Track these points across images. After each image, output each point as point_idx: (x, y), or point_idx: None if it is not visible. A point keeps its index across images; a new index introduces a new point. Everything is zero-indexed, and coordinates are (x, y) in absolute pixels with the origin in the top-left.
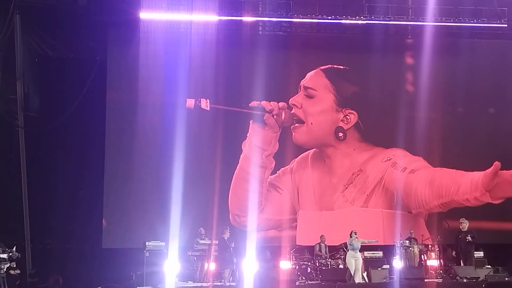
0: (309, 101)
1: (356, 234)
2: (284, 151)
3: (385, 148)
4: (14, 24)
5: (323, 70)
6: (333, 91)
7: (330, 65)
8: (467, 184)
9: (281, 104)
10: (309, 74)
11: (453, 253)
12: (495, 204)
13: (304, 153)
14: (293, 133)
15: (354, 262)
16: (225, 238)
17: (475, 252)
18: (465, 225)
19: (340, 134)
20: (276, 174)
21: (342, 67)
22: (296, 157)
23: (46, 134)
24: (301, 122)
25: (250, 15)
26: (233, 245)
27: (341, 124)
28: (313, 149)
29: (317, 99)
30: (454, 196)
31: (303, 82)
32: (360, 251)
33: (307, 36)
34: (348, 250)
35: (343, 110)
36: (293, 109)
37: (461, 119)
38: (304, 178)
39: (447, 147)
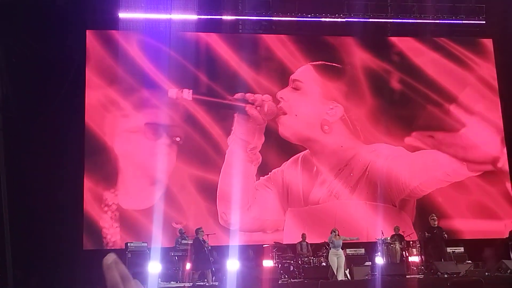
0: (295, 93)
1: (336, 232)
2: (275, 153)
3: (371, 144)
4: None
5: (313, 65)
6: (320, 84)
7: (322, 61)
8: (445, 158)
9: (264, 96)
10: (299, 69)
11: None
12: (475, 201)
13: (295, 155)
14: (279, 126)
15: (336, 259)
16: (200, 239)
17: (455, 248)
18: (435, 222)
19: (326, 127)
20: (267, 175)
21: (333, 64)
22: (288, 160)
23: (25, 135)
24: (284, 114)
25: (230, 14)
26: (208, 246)
27: (326, 117)
28: (304, 152)
29: (303, 91)
30: (433, 172)
31: (292, 76)
32: (342, 249)
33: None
34: (330, 248)
35: (329, 102)
36: (280, 102)
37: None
38: (294, 177)
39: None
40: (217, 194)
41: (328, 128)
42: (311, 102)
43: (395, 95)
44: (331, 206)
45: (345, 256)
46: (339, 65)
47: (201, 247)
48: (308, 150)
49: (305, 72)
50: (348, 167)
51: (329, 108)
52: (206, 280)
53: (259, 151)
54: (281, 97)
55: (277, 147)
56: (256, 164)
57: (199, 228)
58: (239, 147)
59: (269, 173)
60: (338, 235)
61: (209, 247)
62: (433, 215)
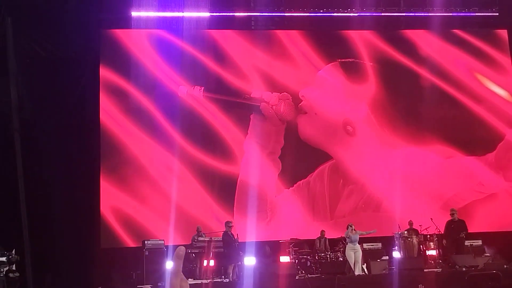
0: (317, 91)
1: (352, 226)
2: (298, 160)
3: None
4: (5, 26)
5: (340, 63)
6: (344, 81)
7: (352, 59)
8: (479, 166)
9: (282, 94)
10: (326, 66)
11: (444, 242)
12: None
13: (321, 166)
14: (298, 127)
15: (354, 254)
16: (230, 233)
17: (473, 241)
18: (455, 215)
19: (349, 127)
20: (292, 188)
21: (359, 61)
22: (312, 169)
23: (41, 135)
24: (303, 113)
25: (242, 10)
26: (238, 240)
27: (350, 115)
28: (329, 162)
29: (326, 89)
30: (468, 182)
31: (318, 73)
32: (359, 243)
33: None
34: (347, 243)
35: (354, 100)
36: (302, 101)
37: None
38: (320, 190)
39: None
40: (234, 206)
41: (351, 129)
42: (334, 100)
43: (423, 95)
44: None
45: (362, 250)
46: (366, 62)
47: (232, 241)
48: (333, 159)
49: (332, 69)
50: (375, 175)
51: (352, 107)
52: (224, 275)
53: (280, 157)
54: (302, 96)
55: (300, 153)
56: (276, 171)
57: (227, 222)
58: (256, 153)
59: (294, 185)
60: (355, 229)
61: (238, 241)
62: (452, 208)
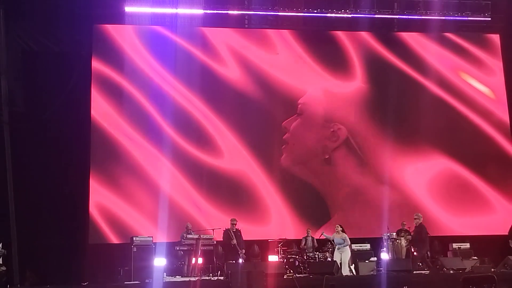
0: (297, 120)
1: (339, 228)
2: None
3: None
4: None
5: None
6: (323, 104)
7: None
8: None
9: None
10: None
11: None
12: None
13: None
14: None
15: (340, 255)
16: (230, 230)
17: (461, 244)
18: (418, 220)
19: (326, 156)
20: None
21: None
22: None
23: (31, 129)
24: (285, 145)
25: (236, 8)
26: (234, 241)
27: (327, 142)
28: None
29: (305, 116)
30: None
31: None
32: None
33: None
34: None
35: (332, 125)
36: (286, 134)
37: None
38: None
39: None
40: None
41: (328, 157)
42: (311, 125)
43: (414, 98)
44: None
45: (351, 251)
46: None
47: (230, 238)
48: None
49: (313, 91)
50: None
51: (330, 132)
52: (216, 273)
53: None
54: (284, 127)
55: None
56: None
57: (232, 219)
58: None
59: None
60: (340, 231)
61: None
62: (417, 213)
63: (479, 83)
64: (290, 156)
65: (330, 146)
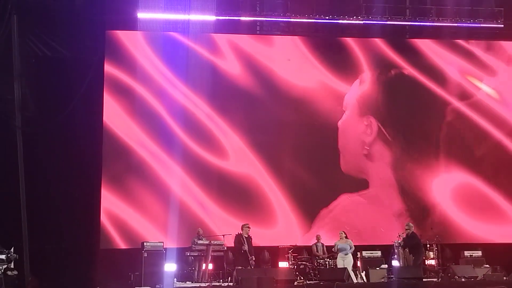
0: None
1: (343, 234)
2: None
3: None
4: (11, 24)
5: (360, 78)
6: (357, 97)
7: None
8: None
9: None
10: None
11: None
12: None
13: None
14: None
15: (343, 262)
16: (244, 235)
17: (473, 252)
18: (408, 230)
19: (365, 151)
20: None
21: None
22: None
23: (43, 134)
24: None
25: (248, 15)
26: (245, 247)
27: (363, 136)
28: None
29: (349, 112)
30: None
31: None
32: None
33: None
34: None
35: (365, 118)
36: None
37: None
38: None
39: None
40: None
41: (367, 151)
42: (351, 123)
43: (425, 105)
44: None
45: (361, 258)
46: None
47: (241, 243)
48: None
49: (353, 88)
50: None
51: (365, 125)
52: (226, 279)
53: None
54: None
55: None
56: None
57: (244, 224)
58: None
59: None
60: (344, 238)
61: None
62: (408, 223)
63: (491, 89)
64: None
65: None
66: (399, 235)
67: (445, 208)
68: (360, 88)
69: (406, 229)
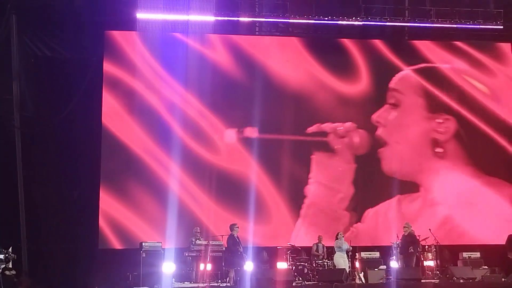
0: (394, 112)
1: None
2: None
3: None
4: (10, 24)
5: (414, 70)
6: (423, 93)
7: (423, 64)
8: None
9: (348, 124)
10: (396, 76)
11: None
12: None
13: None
14: (381, 162)
15: (343, 262)
16: (234, 235)
17: (471, 253)
18: (407, 229)
19: (438, 149)
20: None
21: (439, 65)
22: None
23: (42, 134)
24: (383, 144)
25: (247, 15)
26: (241, 249)
27: (436, 135)
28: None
29: (403, 108)
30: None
31: (389, 85)
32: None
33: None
34: (335, 252)
35: (438, 115)
36: (378, 128)
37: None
38: None
39: None
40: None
41: (441, 151)
42: (414, 119)
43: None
44: None
45: (359, 259)
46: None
47: (236, 244)
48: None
49: (406, 79)
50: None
51: (439, 123)
52: (224, 279)
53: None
54: (377, 121)
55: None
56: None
57: (233, 224)
58: (325, 197)
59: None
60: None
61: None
62: (406, 223)
63: (488, 90)
64: (391, 157)
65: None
66: (398, 236)
67: (446, 208)
68: None
69: (405, 228)
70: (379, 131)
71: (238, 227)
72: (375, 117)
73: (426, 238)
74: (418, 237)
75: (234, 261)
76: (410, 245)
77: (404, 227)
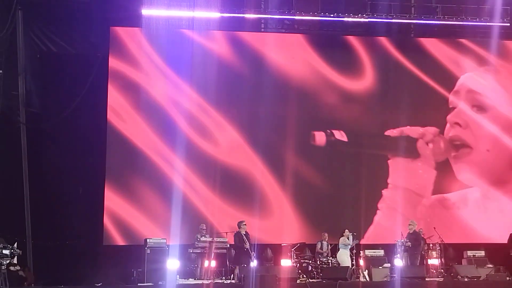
0: (479, 116)
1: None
2: None
3: None
4: (16, 19)
5: (487, 69)
6: (502, 92)
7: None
8: None
9: (431, 129)
10: (464, 76)
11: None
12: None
13: None
14: (454, 165)
15: (348, 259)
16: (242, 233)
17: (476, 252)
18: (412, 227)
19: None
20: None
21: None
22: None
23: (47, 130)
24: (467, 148)
25: (253, 12)
26: (247, 246)
27: None
28: None
29: (491, 112)
30: None
31: (466, 85)
32: (362, 250)
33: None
34: (339, 249)
35: None
36: (452, 129)
37: None
38: None
39: None
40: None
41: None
42: (506, 126)
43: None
44: None
45: (364, 257)
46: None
47: (242, 241)
48: None
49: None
50: None
51: None
52: (228, 276)
53: None
54: (456, 123)
55: None
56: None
57: (241, 222)
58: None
59: None
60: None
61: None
62: (411, 220)
63: (494, 87)
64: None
65: None
66: (402, 234)
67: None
68: None
69: (409, 226)
70: (458, 132)
71: (245, 224)
72: (450, 117)
73: (430, 237)
74: (423, 236)
75: (239, 259)
76: (414, 243)
77: (409, 225)
